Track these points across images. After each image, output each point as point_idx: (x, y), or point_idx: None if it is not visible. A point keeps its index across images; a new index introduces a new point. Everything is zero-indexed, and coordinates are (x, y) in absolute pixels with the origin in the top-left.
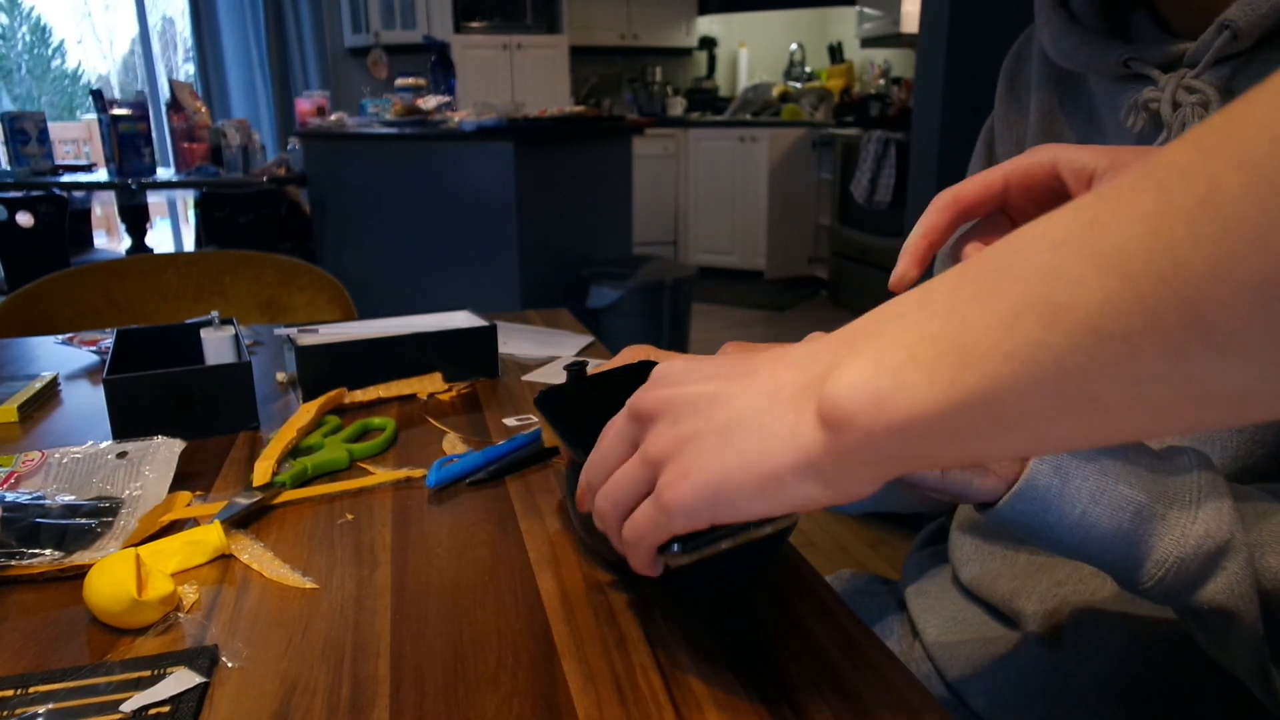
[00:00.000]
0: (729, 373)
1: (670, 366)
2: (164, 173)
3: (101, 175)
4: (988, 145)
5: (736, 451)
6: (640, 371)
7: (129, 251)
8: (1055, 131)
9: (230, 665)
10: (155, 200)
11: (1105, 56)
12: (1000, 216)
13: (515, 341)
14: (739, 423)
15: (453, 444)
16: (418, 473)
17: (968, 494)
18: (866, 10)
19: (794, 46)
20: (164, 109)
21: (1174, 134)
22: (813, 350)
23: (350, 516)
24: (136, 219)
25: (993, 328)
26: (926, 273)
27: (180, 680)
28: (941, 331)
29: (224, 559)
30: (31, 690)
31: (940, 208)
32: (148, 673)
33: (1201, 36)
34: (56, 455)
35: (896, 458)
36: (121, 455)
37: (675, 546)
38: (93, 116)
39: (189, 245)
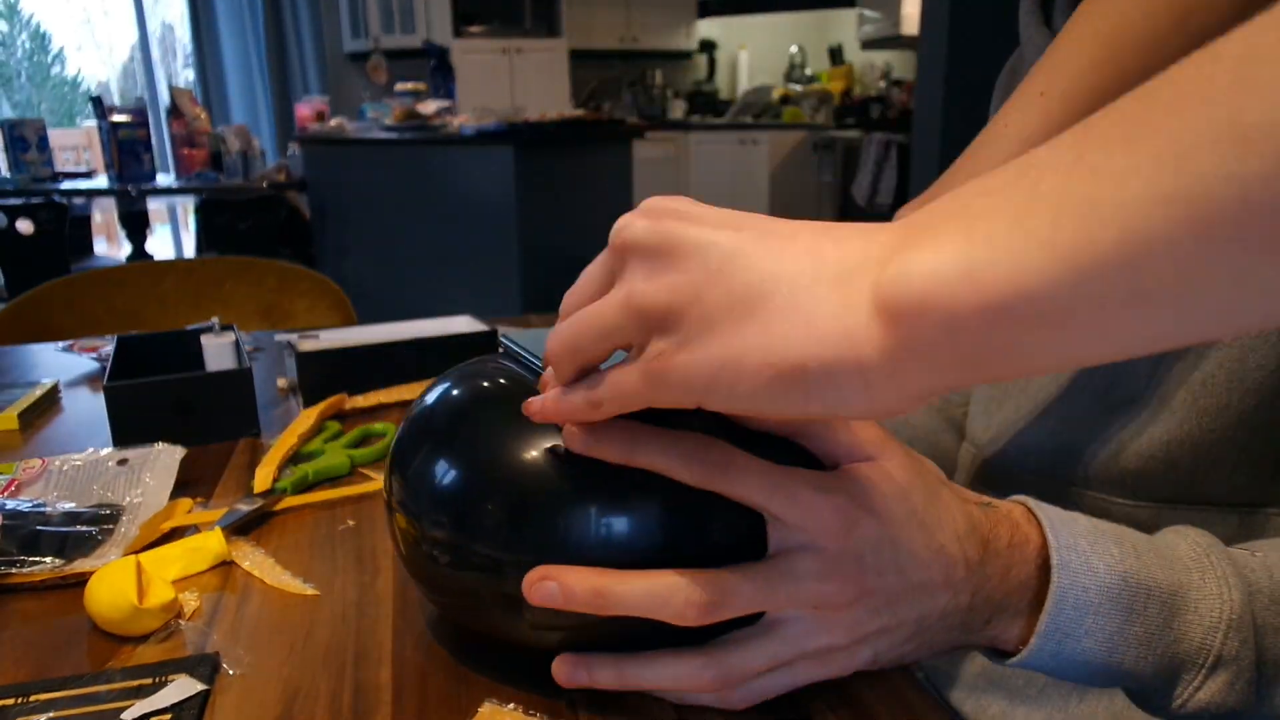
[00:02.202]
0: (754, 228)
1: (671, 199)
2: (164, 179)
3: (101, 182)
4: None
5: (759, 328)
6: None
7: (129, 258)
8: None
9: (231, 672)
10: (155, 207)
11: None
12: None
13: None
14: (763, 293)
15: None
16: None
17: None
18: (867, 12)
19: (794, 49)
20: (164, 115)
21: None
22: (868, 231)
23: (351, 523)
24: (136, 225)
25: (1142, 169)
26: None
27: (181, 688)
28: (1060, 188)
29: (225, 566)
30: (32, 699)
31: None
32: (149, 680)
33: None
34: (57, 462)
35: (970, 357)
36: (122, 462)
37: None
38: (92, 123)
39: (189, 251)
